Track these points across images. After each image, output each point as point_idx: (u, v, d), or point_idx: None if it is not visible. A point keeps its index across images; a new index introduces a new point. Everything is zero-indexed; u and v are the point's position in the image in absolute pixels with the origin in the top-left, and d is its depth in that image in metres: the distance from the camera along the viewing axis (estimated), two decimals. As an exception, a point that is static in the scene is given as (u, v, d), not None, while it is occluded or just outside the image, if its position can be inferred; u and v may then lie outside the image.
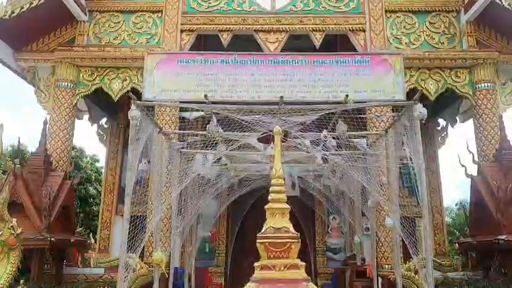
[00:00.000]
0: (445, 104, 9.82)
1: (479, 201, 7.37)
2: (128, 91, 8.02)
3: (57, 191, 7.25)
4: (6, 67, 8.66)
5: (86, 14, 8.71)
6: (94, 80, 8.51)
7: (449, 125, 10.86)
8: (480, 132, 8.14)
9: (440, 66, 8.37)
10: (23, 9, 7.79)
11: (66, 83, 8.40)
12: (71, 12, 8.40)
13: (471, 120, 8.77)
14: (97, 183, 17.96)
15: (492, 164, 7.63)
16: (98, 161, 19.52)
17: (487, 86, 8.25)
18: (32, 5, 7.82)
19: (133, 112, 5.23)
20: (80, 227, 11.56)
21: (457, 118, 10.45)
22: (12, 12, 7.75)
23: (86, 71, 8.55)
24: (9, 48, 8.47)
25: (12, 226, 5.36)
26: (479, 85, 8.25)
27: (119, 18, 8.81)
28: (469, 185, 7.75)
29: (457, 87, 8.37)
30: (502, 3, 7.67)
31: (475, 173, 7.70)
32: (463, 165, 7.67)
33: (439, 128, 11.13)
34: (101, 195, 11.20)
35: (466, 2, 8.45)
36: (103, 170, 12.00)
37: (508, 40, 8.56)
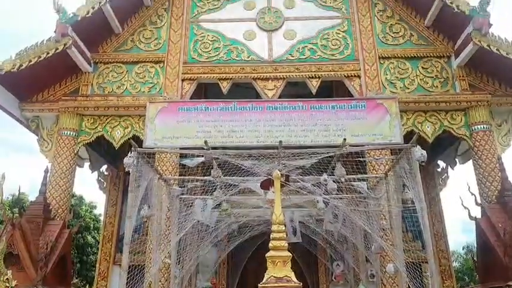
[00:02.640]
0: (444, 146, 9.88)
1: (486, 244, 7.20)
2: (129, 138, 8.15)
3: (55, 241, 7.12)
4: (11, 117, 8.81)
5: (90, 66, 9.04)
6: (96, 128, 8.65)
7: (449, 166, 10.86)
8: (480, 174, 8.11)
9: (435, 109, 8.52)
10: (31, 62, 8.07)
11: (68, 132, 8.52)
12: (76, 64, 8.73)
13: (471, 161, 8.78)
14: (95, 231, 17.69)
15: (495, 205, 7.53)
16: (95, 207, 19.37)
17: (483, 127, 8.33)
18: (40, 59, 8.11)
19: (128, 159, 5.28)
20: (77, 278, 11.20)
21: (456, 160, 10.47)
22: (21, 65, 8.02)
23: (88, 119, 8.71)
24: (15, 99, 8.66)
25: (7, 278, 5.22)
26: (476, 127, 8.33)
27: (122, 69, 9.13)
28: (474, 228, 7.61)
29: (453, 129, 8.45)
30: (490, 48, 7.97)
31: (478, 215, 7.59)
32: (465, 208, 7.58)
33: (439, 170, 11.12)
34: (98, 243, 10.98)
35: (455, 48, 8.79)
36: (102, 218, 11.85)
37: (500, 83, 8.74)
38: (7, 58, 8.05)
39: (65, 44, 8.16)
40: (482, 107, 8.40)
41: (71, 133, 8.54)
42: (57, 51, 8.15)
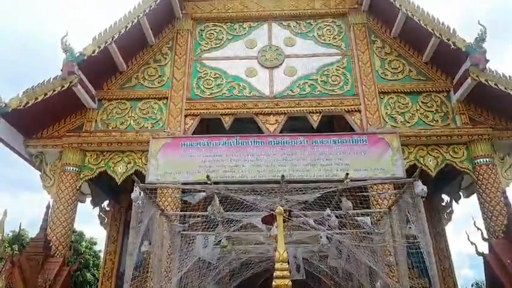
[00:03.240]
0: (447, 180, 9.81)
1: (494, 281, 6.99)
2: (131, 174, 8.16)
3: (54, 279, 6.99)
4: (16, 153, 8.87)
5: (95, 102, 9.21)
6: (99, 163, 8.69)
7: (453, 200, 10.74)
8: (485, 208, 7.99)
9: (437, 143, 8.52)
10: (37, 100, 8.22)
11: (71, 167, 8.56)
12: (81, 101, 8.90)
13: (475, 195, 8.67)
14: (94, 268, 17.33)
15: (502, 240, 7.38)
16: (95, 243, 19.09)
17: (486, 161, 8.28)
18: (46, 96, 8.28)
19: (135, 193, 5.27)
20: (74, 318, 10.88)
21: (460, 193, 10.37)
22: (27, 102, 8.18)
23: (91, 155, 8.77)
24: (20, 135, 8.76)
25: (3, 319, 5.09)
26: (478, 160, 8.29)
27: (126, 105, 9.29)
28: (482, 263, 7.43)
29: (456, 163, 8.42)
30: (488, 83, 8.08)
31: (486, 250, 7.42)
32: (472, 243, 7.44)
33: (443, 204, 10.98)
34: (98, 281, 10.73)
35: (454, 83, 8.91)
36: (102, 254, 11.67)
37: (500, 117, 8.77)
38: (14, 96, 8.22)
39: (70, 82, 8.36)
40: (484, 141, 8.40)
41: (74, 169, 8.57)
42: (63, 88, 8.34)
